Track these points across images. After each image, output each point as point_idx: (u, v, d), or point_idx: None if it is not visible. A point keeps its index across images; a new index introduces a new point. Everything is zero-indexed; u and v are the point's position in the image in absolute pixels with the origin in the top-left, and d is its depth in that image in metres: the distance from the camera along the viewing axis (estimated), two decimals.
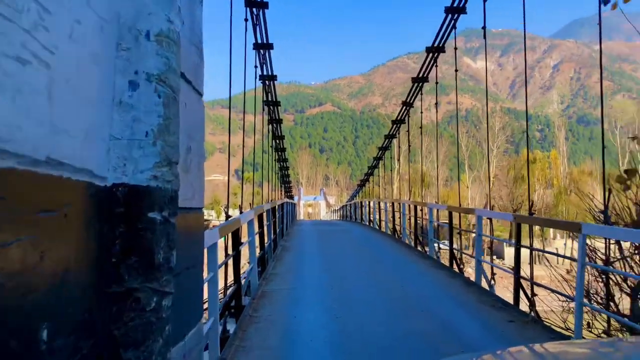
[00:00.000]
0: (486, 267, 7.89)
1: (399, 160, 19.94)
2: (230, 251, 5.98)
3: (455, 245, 9.36)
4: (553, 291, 5.88)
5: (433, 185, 48.67)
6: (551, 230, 45.15)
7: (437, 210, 10.90)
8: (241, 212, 7.36)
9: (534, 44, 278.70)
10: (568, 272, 8.52)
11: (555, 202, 53.15)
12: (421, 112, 12.62)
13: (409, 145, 15.99)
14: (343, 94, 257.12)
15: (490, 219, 8.02)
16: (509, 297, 7.46)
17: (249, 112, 12.11)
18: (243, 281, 6.77)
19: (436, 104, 10.85)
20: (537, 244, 38.81)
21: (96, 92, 1.31)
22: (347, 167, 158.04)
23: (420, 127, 13.57)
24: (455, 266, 9.21)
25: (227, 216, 6.23)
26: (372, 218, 20.63)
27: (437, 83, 11.32)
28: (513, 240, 6.39)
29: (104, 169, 1.38)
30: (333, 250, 12.16)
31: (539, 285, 6.06)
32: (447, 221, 9.93)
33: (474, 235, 8.38)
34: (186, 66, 1.89)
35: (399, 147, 18.50)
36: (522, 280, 6.40)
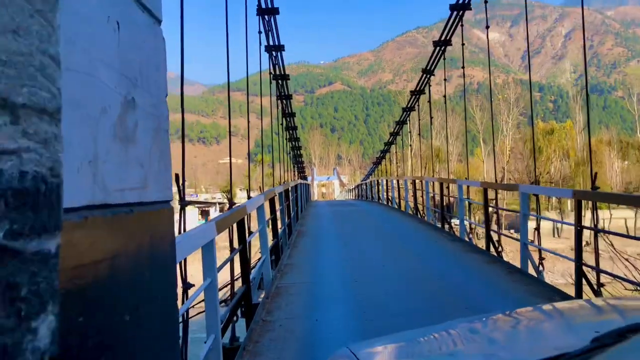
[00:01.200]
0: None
1: (419, 134, 18.81)
2: (236, 244, 5.05)
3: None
4: (628, 282, 4.86)
5: (448, 161, 47.64)
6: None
7: (468, 188, 9.90)
8: (249, 198, 6.42)
9: (545, 13, 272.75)
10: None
11: (572, 174, 51.82)
12: (445, 79, 11.45)
13: (431, 118, 14.82)
14: (352, 72, 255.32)
15: (537, 196, 6.99)
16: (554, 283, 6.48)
17: (256, 90, 11.04)
18: (253, 272, 5.87)
19: (463, 67, 9.78)
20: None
21: None
22: (359, 145, 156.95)
23: (444, 96, 12.41)
24: (492, 249, 8.22)
25: (231, 204, 5.29)
26: (390, 197, 19.65)
27: (463, 45, 10.14)
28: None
29: None
30: (353, 234, 11.19)
31: (605, 272, 5.06)
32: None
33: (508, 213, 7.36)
34: None
35: (419, 119, 17.37)
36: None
